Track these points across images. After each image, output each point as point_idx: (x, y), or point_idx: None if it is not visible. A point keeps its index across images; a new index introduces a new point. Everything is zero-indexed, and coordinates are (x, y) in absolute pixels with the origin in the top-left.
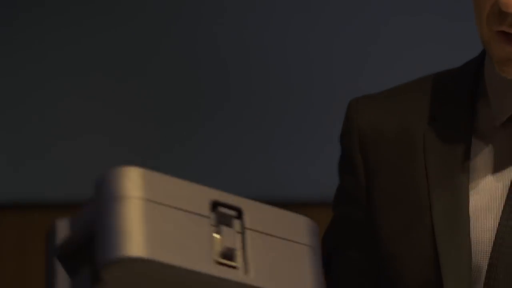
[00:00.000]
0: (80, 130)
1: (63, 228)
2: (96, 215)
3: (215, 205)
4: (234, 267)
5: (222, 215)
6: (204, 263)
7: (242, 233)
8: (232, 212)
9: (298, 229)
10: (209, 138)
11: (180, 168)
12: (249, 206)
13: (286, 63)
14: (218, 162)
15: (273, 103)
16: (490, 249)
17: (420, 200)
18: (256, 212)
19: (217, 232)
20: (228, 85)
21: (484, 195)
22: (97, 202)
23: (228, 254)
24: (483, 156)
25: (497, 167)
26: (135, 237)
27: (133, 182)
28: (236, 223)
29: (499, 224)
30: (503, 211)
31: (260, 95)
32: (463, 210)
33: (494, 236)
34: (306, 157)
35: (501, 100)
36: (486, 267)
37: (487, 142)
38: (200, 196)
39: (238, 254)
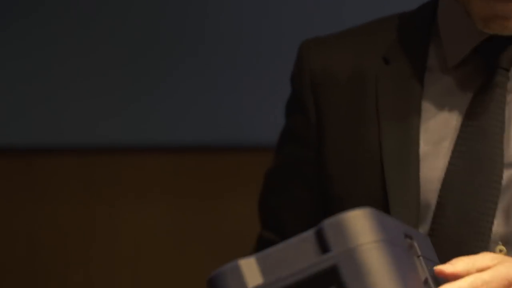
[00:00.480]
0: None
1: (250, 270)
2: (336, 263)
3: (406, 237)
4: None
5: (411, 246)
6: None
7: (420, 260)
8: (412, 242)
9: (430, 248)
10: (178, 83)
11: (149, 114)
12: (410, 232)
13: (257, 6)
14: (186, 107)
15: (242, 47)
16: (439, 188)
17: (371, 141)
18: (416, 237)
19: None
20: (198, 29)
21: (435, 135)
22: (335, 250)
23: (428, 284)
24: (435, 97)
25: (449, 108)
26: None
27: (370, 225)
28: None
29: (449, 163)
30: (453, 151)
31: (229, 38)
32: (413, 150)
33: (443, 175)
34: (273, 102)
35: (454, 42)
36: (435, 205)
37: (440, 83)
38: (397, 228)
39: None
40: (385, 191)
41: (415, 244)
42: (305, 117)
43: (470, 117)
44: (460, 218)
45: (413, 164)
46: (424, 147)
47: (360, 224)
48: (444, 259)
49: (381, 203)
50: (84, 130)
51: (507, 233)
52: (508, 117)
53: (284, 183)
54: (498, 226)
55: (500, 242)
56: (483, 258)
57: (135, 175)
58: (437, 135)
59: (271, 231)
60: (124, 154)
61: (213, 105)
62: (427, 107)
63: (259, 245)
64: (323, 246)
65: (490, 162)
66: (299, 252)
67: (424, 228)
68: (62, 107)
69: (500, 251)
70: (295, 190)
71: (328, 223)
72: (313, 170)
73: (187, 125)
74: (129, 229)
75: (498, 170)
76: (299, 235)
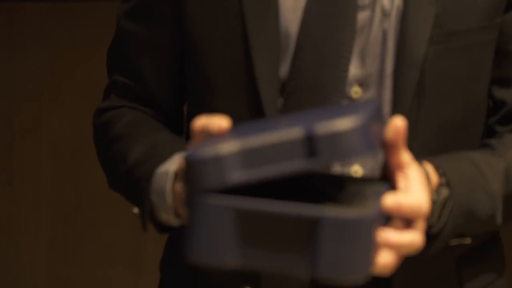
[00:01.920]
0: None
1: (232, 162)
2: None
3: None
4: None
5: None
6: None
7: None
8: None
9: None
10: None
11: None
12: None
13: None
14: None
15: None
16: (298, 30)
17: None
18: None
19: None
20: None
21: None
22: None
23: None
24: None
25: None
26: None
27: (360, 143)
28: None
29: (305, 7)
30: None
31: None
32: None
33: (302, 18)
34: None
35: None
36: (294, 48)
37: None
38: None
39: None
40: (245, 31)
41: None
42: None
43: None
44: (318, 61)
45: (272, 6)
46: None
47: (351, 140)
48: (304, 102)
49: (242, 44)
50: None
51: (362, 75)
52: None
53: (139, 25)
54: (353, 69)
55: (356, 84)
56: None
57: (6, 24)
58: None
59: (125, 77)
60: None
61: None
62: None
63: (112, 91)
64: (311, 152)
65: (345, 5)
66: (285, 151)
67: (284, 71)
68: None
69: (356, 92)
70: (151, 32)
71: (321, 133)
72: (170, 11)
73: None
74: (2, 76)
75: (353, 12)
76: (286, 131)
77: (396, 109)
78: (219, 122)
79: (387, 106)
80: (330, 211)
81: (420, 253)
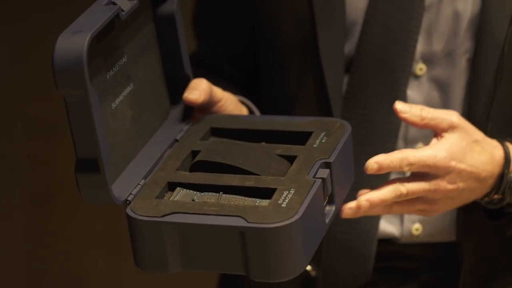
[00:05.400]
0: None
1: None
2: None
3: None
4: None
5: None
6: None
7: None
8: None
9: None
10: None
11: None
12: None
13: None
14: None
15: None
16: (366, 6)
17: None
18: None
19: None
20: None
21: None
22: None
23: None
24: None
25: None
26: None
27: None
28: None
29: None
30: None
31: None
32: None
33: None
34: None
35: None
36: (362, 22)
37: None
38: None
39: None
40: (311, 9)
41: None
42: None
43: None
44: (386, 35)
45: None
46: None
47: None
48: (369, 75)
49: (308, 21)
50: None
51: (428, 52)
52: None
53: (210, 5)
54: (420, 45)
55: (421, 60)
56: (443, 121)
57: None
58: None
59: (204, 46)
60: None
61: None
62: None
63: (194, 60)
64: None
65: None
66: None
67: (350, 46)
68: None
69: (421, 69)
70: (226, 11)
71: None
72: None
73: None
74: None
75: None
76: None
77: (474, 90)
78: None
79: (459, 85)
80: (251, 221)
81: (499, 232)
